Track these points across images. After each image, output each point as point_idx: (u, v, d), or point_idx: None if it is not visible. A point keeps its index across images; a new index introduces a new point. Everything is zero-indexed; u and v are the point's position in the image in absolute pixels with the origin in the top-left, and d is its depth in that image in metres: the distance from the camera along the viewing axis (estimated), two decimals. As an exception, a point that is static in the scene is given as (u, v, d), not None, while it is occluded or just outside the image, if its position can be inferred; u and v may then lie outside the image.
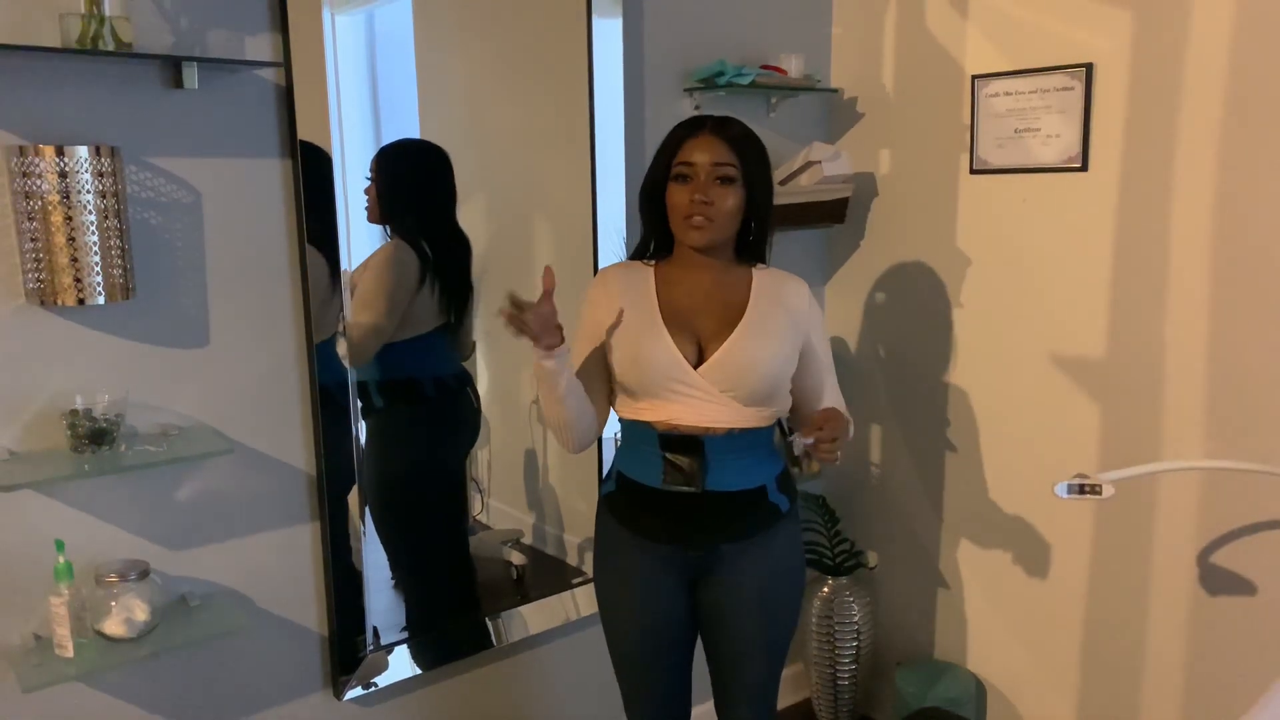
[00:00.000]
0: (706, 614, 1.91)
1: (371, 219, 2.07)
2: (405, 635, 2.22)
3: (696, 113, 2.48)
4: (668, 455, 1.80)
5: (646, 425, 1.81)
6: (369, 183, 2.05)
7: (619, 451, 1.92)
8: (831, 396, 1.92)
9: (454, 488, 2.40)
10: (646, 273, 1.87)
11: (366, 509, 2.10)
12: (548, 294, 1.66)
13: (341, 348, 2.03)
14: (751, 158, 1.78)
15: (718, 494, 1.80)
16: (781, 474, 1.89)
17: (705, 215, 1.74)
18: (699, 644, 1.98)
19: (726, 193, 1.75)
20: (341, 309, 2.00)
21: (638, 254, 1.91)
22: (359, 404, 2.08)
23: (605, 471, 2.44)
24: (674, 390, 1.78)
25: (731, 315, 1.80)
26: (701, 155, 1.75)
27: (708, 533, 1.83)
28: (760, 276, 1.86)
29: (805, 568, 2.00)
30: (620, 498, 1.90)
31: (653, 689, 1.96)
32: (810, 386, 1.90)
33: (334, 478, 2.04)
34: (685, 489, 1.79)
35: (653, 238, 1.87)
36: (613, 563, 1.94)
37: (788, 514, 1.89)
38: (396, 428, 2.23)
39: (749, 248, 1.87)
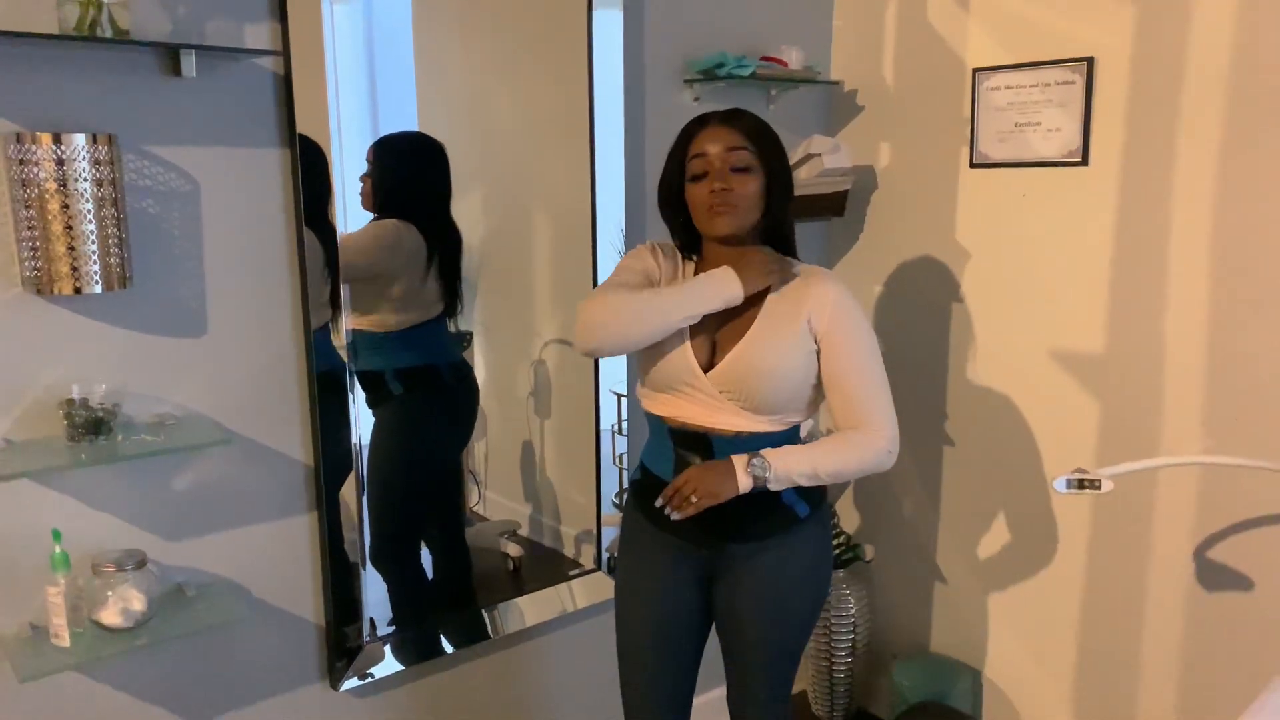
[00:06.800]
0: (718, 613, 1.91)
1: (366, 206, 2.07)
2: (402, 626, 2.22)
3: (696, 104, 2.48)
4: (679, 450, 1.81)
5: (661, 419, 1.83)
6: (365, 171, 2.04)
7: (646, 443, 1.93)
8: (861, 397, 1.75)
9: (457, 476, 2.42)
10: (685, 268, 1.86)
11: (365, 500, 2.10)
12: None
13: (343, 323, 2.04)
14: (765, 142, 1.76)
15: None
16: None
17: (726, 201, 1.72)
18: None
19: (745, 179, 1.73)
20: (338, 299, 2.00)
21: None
22: (369, 393, 2.08)
23: (598, 462, 2.48)
24: (683, 391, 1.78)
25: (748, 318, 1.78)
26: (713, 145, 1.73)
27: (715, 530, 1.81)
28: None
29: (829, 577, 1.95)
30: (642, 487, 1.91)
31: (641, 678, 1.95)
32: (835, 386, 1.76)
33: (332, 468, 2.03)
34: None
35: (680, 240, 1.87)
36: (631, 550, 1.95)
37: (808, 520, 1.84)
38: (414, 414, 2.25)
39: (773, 240, 1.84)
